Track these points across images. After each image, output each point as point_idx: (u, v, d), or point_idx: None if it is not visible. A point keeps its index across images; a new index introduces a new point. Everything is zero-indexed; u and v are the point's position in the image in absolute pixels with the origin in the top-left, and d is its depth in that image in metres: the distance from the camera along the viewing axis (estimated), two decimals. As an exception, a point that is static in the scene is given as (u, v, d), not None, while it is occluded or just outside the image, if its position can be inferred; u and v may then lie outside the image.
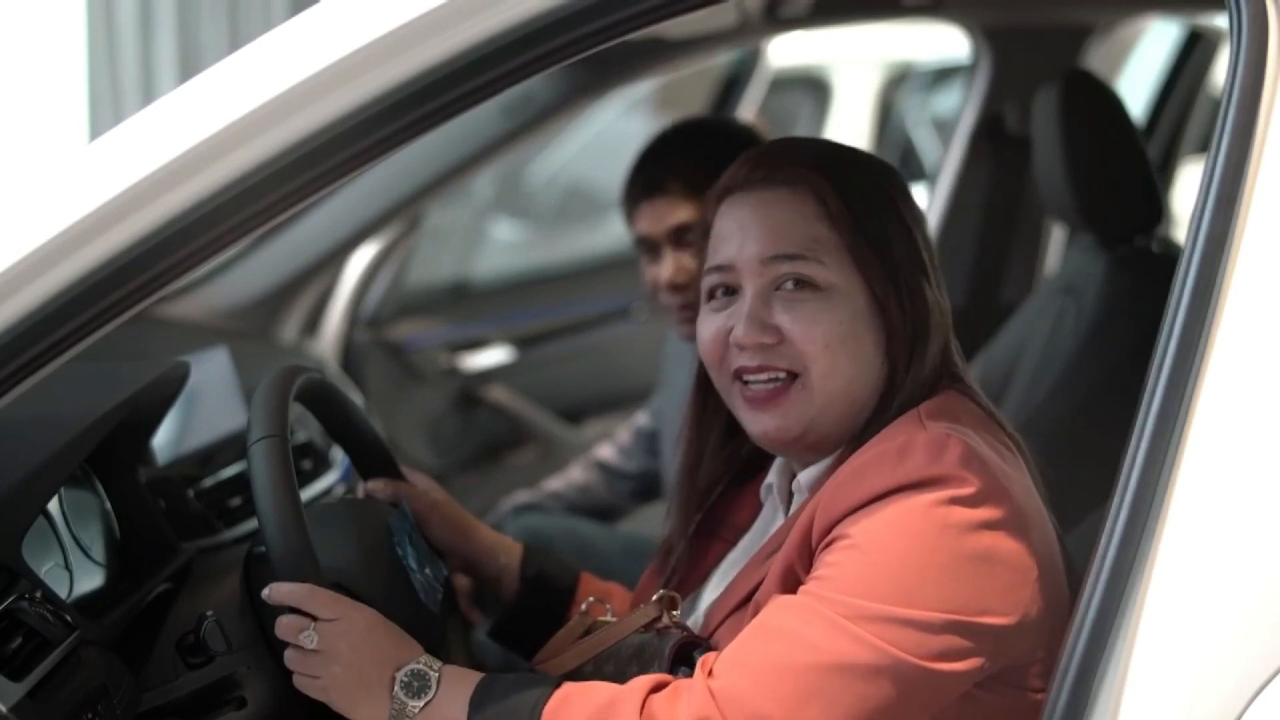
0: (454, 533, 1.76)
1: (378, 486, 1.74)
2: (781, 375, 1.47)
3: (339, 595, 1.47)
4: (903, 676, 1.32)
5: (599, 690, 1.39)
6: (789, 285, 1.47)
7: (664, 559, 1.69)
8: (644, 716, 1.34)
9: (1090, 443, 1.69)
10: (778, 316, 1.46)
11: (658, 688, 1.38)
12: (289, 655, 1.46)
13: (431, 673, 1.42)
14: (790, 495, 1.55)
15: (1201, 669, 1.23)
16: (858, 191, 1.48)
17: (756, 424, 1.49)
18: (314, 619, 1.45)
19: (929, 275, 1.50)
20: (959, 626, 1.33)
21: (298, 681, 1.46)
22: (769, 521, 1.59)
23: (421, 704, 1.41)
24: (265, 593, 1.47)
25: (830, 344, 1.45)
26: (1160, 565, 1.24)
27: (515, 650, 1.80)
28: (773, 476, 1.59)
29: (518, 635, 1.78)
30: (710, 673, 1.36)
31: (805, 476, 1.51)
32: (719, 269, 1.51)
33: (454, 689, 1.42)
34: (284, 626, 1.45)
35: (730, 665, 1.36)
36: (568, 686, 1.40)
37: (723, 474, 1.66)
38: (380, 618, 1.47)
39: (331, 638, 1.44)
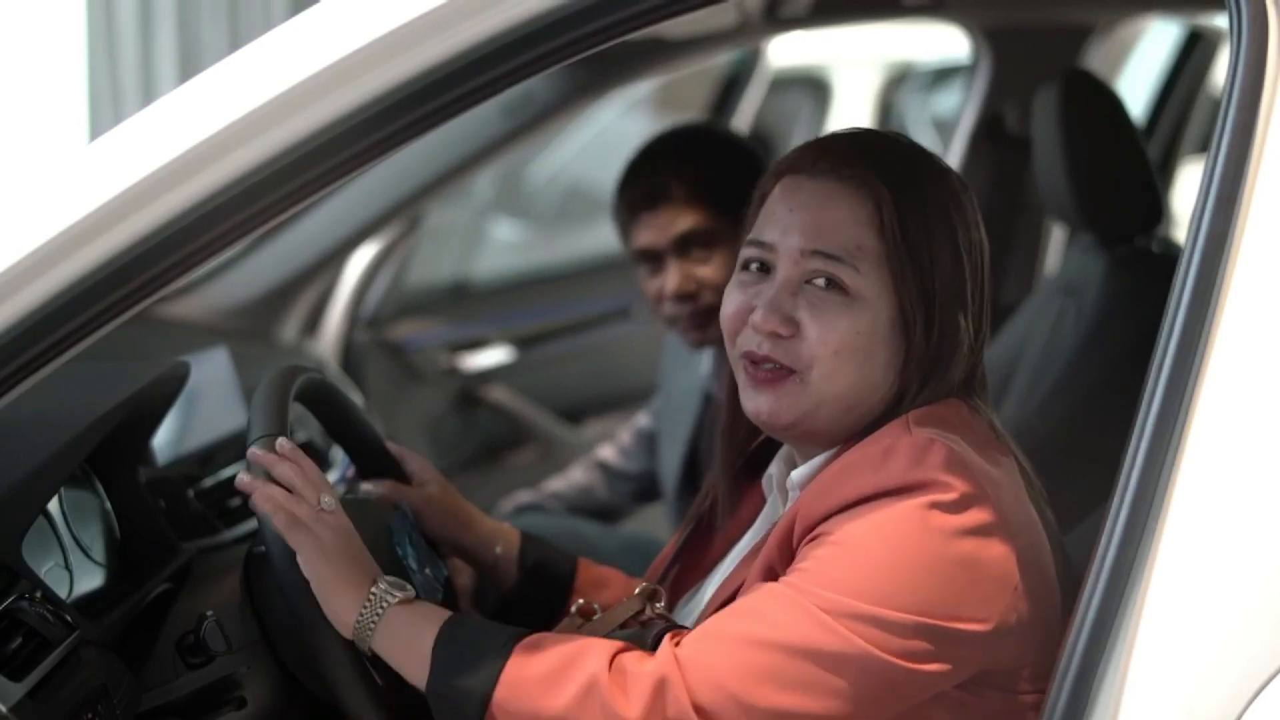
0: (451, 524, 1.77)
1: (374, 489, 1.74)
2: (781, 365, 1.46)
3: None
4: (867, 669, 1.32)
5: (573, 638, 1.41)
6: (819, 282, 1.45)
7: (683, 531, 1.70)
8: (614, 666, 1.36)
9: (1090, 443, 1.69)
10: (800, 311, 1.45)
11: (628, 649, 1.40)
12: (296, 503, 1.46)
13: (410, 586, 1.45)
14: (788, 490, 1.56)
15: (1201, 669, 1.23)
16: (917, 208, 1.45)
17: (751, 402, 1.49)
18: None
19: (967, 307, 1.48)
20: (930, 630, 1.33)
21: (292, 539, 1.45)
22: (771, 515, 1.60)
23: (399, 598, 1.43)
24: (279, 442, 1.50)
25: (840, 351, 1.44)
26: (1160, 565, 1.24)
27: None
28: (774, 467, 1.59)
29: (515, 624, 1.78)
30: (678, 643, 1.38)
31: (798, 474, 1.51)
32: (759, 244, 1.50)
33: (429, 612, 1.44)
34: (309, 475, 1.49)
35: (697, 635, 1.37)
36: (542, 633, 1.42)
37: (746, 447, 1.66)
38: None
39: (340, 516, 1.47)
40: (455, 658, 1.40)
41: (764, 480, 1.61)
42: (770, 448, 1.63)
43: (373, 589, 1.43)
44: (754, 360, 1.47)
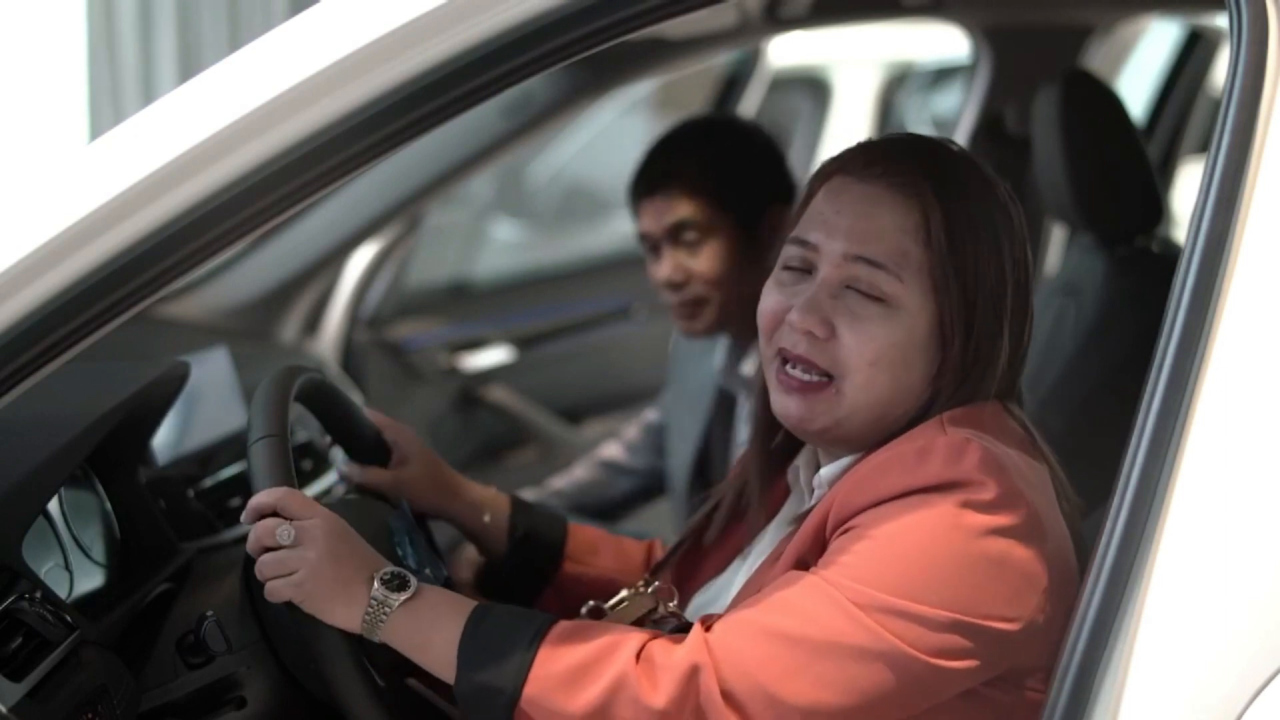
0: (437, 496, 1.76)
1: (351, 471, 1.73)
2: (817, 373, 1.45)
3: (314, 501, 1.46)
4: (897, 665, 1.32)
5: (602, 628, 1.39)
6: (860, 289, 1.44)
7: (707, 518, 1.69)
8: (641, 658, 1.35)
9: (1090, 443, 1.69)
10: (838, 316, 1.44)
11: (655, 638, 1.39)
12: (264, 560, 1.43)
13: (411, 576, 1.42)
14: (814, 487, 1.55)
15: (1201, 669, 1.23)
16: (965, 221, 1.44)
17: (781, 406, 1.48)
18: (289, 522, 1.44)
19: (1006, 321, 1.46)
20: (961, 627, 1.33)
21: (272, 588, 1.42)
22: (794, 509, 1.59)
23: (403, 598, 1.40)
24: (243, 516, 1.46)
25: (877, 362, 1.43)
26: (1160, 565, 1.24)
27: (501, 601, 1.80)
28: (800, 460, 1.59)
29: (506, 589, 1.80)
30: (709, 628, 1.37)
31: (827, 472, 1.51)
32: (802, 244, 1.48)
33: (441, 604, 1.42)
34: (260, 528, 1.43)
35: (729, 624, 1.37)
36: (569, 621, 1.40)
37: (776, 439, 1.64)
38: (354, 530, 1.46)
39: (308, 531, 1.42)
40: (480, 656, 1.38)
41: (789, 472, 1.61)
42: (795, 440, 1.62)
43: (372, 595, 1.40)
44: (790, 358, 1.46)
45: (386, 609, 1.40)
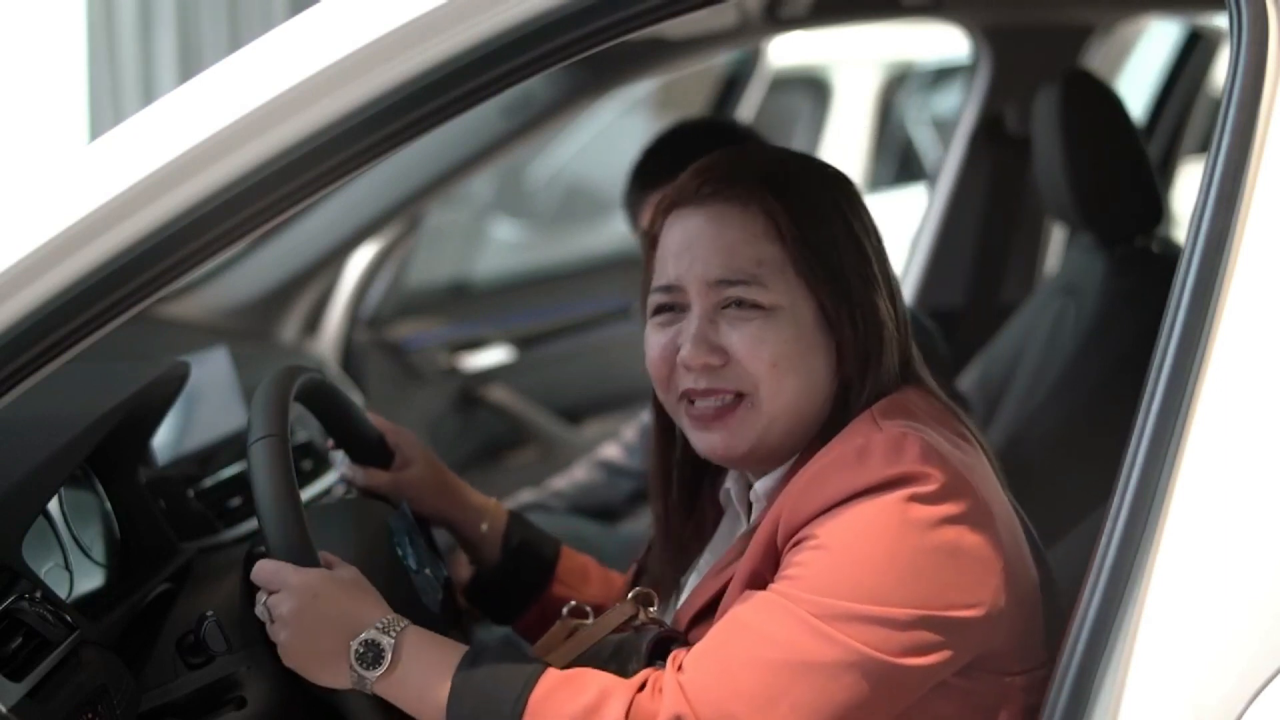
0: (437, 500, 1.77)
1: (353, 474, 1.74)
2: (729, 396, 1.46)
3: (288, 566, 1.44)
4: (871, 673, 1.32)
5: (586, 686, 1.38)
6: (734, 306, 1.46)
7: (645, 556, 1.71)
8: (630, 716, 1.34)
9: (1090, 443, 1.70)
10: (724, 336, 1.46)
11: (643, 687, 1.37)
12: (269, 630, 1.45)
13: (386, 640, 1.40)
14: (749, 503, 1.55)
15: (1202, 669, 1.23)
16: (808, 207, 1.46)
17: (704, 442, 1.49)
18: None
19: (881, 289, 1.48)
20: (926, 621, 1.33)
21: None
22: (731, 528, 1.60)
23: (377, 674, 1.39)
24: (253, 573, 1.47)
25: (778, 362, 1.44)
26: (1160, 565, 1.24)
27: (487, 613, 1.81)
28: (729, 482, 1.59)
29: (494, 600, 1.80)
30: (680, 668, 1.36)
31: (762, 486, 1.51)
32: (665, 289, 1.50)
33: (424, 660, 1.40)
34: (257, 605, 1.46)
35: (699, 660, 1.36)
36: (553, 677, 1.38)
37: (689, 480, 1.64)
38: (334, 582, 1.43)
39: (275, 608, 1.43)
40: None
41: (720, 494, 1.61)
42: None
43: (351, 668, 1.40)
44: (697, 396, 1.47)
45: (365, 684, 1.40)
